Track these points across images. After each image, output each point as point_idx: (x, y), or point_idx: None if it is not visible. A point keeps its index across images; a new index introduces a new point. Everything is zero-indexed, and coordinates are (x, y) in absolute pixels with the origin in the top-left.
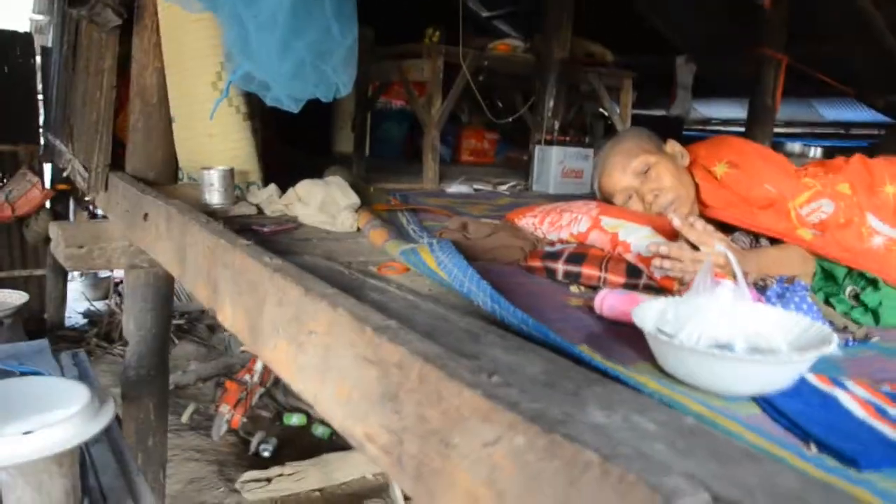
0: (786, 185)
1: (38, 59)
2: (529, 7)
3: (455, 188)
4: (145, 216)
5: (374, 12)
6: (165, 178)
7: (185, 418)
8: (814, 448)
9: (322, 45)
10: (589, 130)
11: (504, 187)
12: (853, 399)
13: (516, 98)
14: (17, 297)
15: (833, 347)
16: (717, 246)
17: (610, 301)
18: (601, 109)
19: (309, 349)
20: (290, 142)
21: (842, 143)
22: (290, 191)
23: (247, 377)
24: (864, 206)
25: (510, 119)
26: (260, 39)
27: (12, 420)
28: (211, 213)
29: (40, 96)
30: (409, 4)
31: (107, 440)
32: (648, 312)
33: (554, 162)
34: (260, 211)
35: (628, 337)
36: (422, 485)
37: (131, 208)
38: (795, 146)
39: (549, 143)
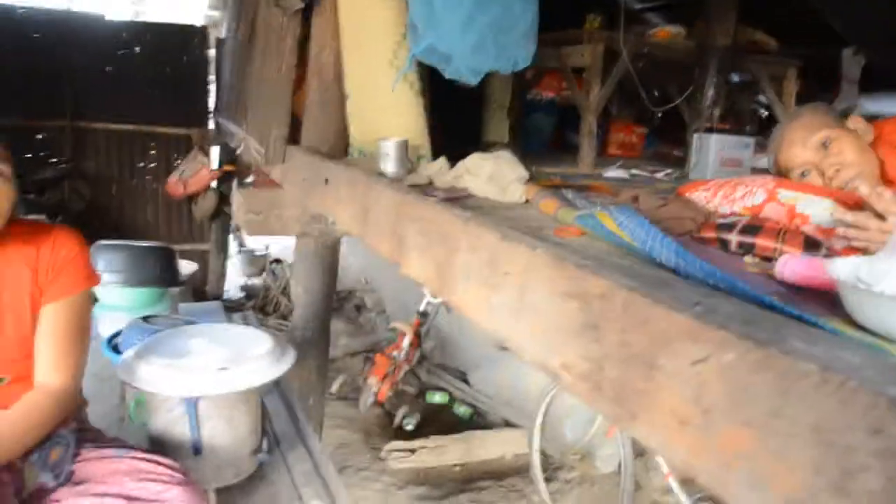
0: None
1: (212, 51)
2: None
3: (612, 173)
4: (326, 181)
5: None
6: (337, 152)
7: (335, 388)
8: None
9: (504, 20)
10: (748, 121)
11: (661, 174)
12: None
13: (671, 89)
14: (190, 267)
15: None
16: None
17: (793, 265)
18: (761, 99)
19: (503, 290)
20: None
21: None
22: (460, 163)
23: (395, 353)
24: None
25: (667, 107)
26: (445, 13)
27: (209, 358)
28: (388, 180)
29: (211, 86)
30: None
31: (278, 393)
32: (848, 266)
33: (713, 150)
34: (430, 182)
35: (814, 299)
36: (622, 407)
37: (310, 176)
38: None
39: (709, 130)
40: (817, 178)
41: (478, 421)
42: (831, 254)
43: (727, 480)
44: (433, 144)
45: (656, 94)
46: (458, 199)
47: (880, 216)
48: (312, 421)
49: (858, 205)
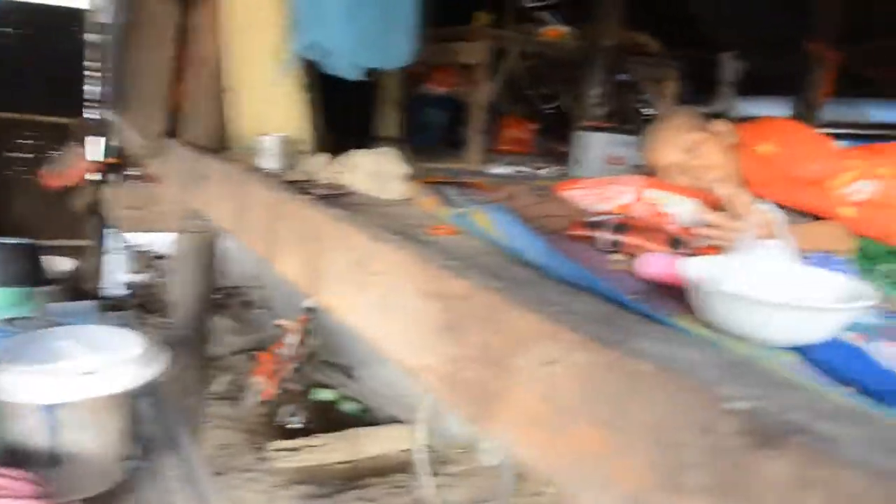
0: (828, 166)
1: (94, 36)
2: None
3: (497, 169)
4: (203, 177)
5: None
6: (219, 147)
7: (218, 388)
8: (851, 389)
9: (386, 17)
10: (632, 120)
11: (545, 171)
12: (886, 353)
13: (559, 87)
14: (66, 264)
15: (871, 303)
16: (760, 206)
17: (652, 264)
18: (642, 101)
19: (371, 290)
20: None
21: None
22: (340, 158)
23: (280, 350)
24: None
25: (554, 105)
26: (327, 8)
27: (73, 361)
28: (268, 174)
29: (92, 73)
30: None
31: (152, 396)
32: (695, 266)
33: (596, 147)
34: (311, 178)
35: (670, 296)
36: (480, 407)
37: (188, 172)
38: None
39: (592, 129)
40: (684, 179)
41: (365, 418)
42: (693, 252)
43: (576, 479)
44: (322, 139)
45: (545, 91)
46: (337, 195)
47: (737, 217)
48: (191, 423)
49: (719, 206)
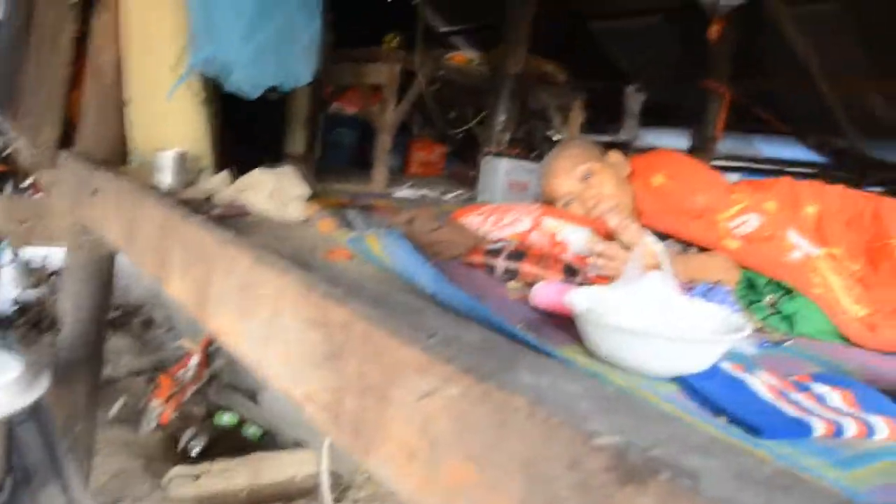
0: (717, 199)
1: None
2: (487, 24)
3: (402, 193)
4: (94, 191)
5: (334, 17)
6: (115, 160)
7: (114, 412)
8: (723, 419)
9: (286, 34)
10: (536, 147)
11: (450, 195)
12: (761, 383)
13: (468, 112)
14: None
15: (746, 335)
16: (646, 238)
17: (545, 292)
18: (550, 129)
19: (255, 316)
20: (239, 139)
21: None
22: (241, 178)
23: (181, 372)
24: (787, 222)
25: (462, 130)
26: (225, 23)
27: None
28: (161, 193)
29: None
30: (368, 11)
31: (35, 421)
32: (580, 297)
33: (501, 173)
34: (210, 196)
35: (561, 325)
36: (359, 439)
37: (80, 185)
38: (734, 178)
39: (498, 154)
40: (579, 207)
41: (269, 442)
42: (587, 281)
43: None
44: (225, 155)
45: (454, 115)
46: (235, 215)
47: (627, 247)
48: (79, 449)
49: (612, 235)
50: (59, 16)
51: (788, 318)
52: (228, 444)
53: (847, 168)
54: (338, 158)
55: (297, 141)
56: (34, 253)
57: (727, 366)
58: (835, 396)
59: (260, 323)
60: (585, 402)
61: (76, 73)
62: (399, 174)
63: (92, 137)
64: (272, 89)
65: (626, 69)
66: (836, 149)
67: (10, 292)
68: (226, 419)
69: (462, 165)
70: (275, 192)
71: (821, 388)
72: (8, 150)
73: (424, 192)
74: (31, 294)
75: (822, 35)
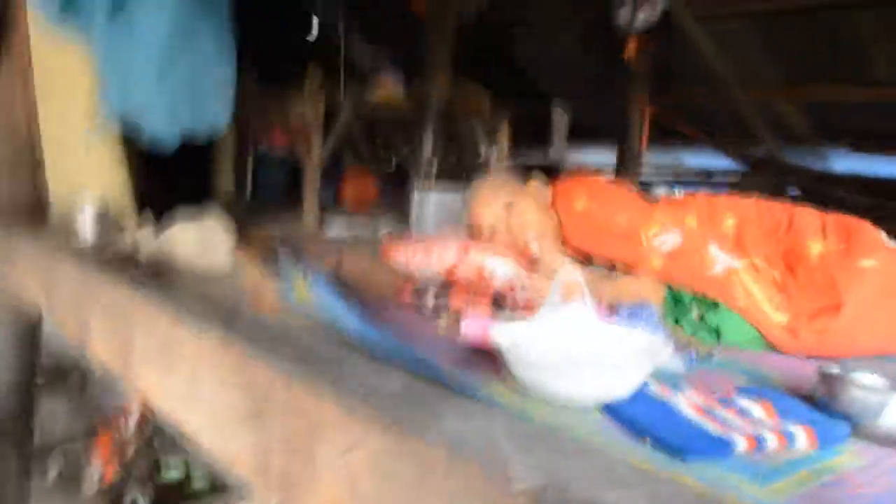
0: (638, 219)
1: None
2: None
3: (334, 232)
4: (12, 251)
5: (257, 55)
6: (34, 218)
7: (51, 478)
8: (647, 443)
9: (199, 78)
10: (468, 175)
11: (383, 231)
12: (686, 402)
13: (398, 142)
14: None
15: (667, 357)
16: (566, 267)
17: (472, 327)
18: (479, 155)
19: (176, 376)
20: (168, 183)
21: (704, 188)
22: (166, 231)
23: (121, 429)
24: (708, 236)
25: (391, 163)
26: (134, 72)
27: None
28: (81, 251)
29: None
30: (292, 48)
31: None
32: (504, 331)
33: (432, 205)
34: (133, 251)
35: (489, 361)
36: (289, 497)
37: None
38: (661, 190)
39: (428, 186)
40: (503, 238)
41: (218, 492)
42: (515, 312)
43: None
44: (155, 201)
45: (383, 149)
46: (160, 271)
47: (550, 276)
48: None
49: (536, 263)
50: None
51: (715, 331)
52: (175, 498)
53: (766, 175)
54: (270, 197)
55: (225, 182)
56: None
57: (653, 388)
58: (757, 409)
59: (182, 382)
60: (508, 443)
61: None
62: (333, 209)
63: (8, 196)
64: (189, 136)
65: (551, 91)
66: (754, 157)
67: None
68: (172, 473)
69: (397, 198)
70: (200, 242)
71: (743, 402)
72: None
73: (357, 229)
74: None
75: (734, 49)
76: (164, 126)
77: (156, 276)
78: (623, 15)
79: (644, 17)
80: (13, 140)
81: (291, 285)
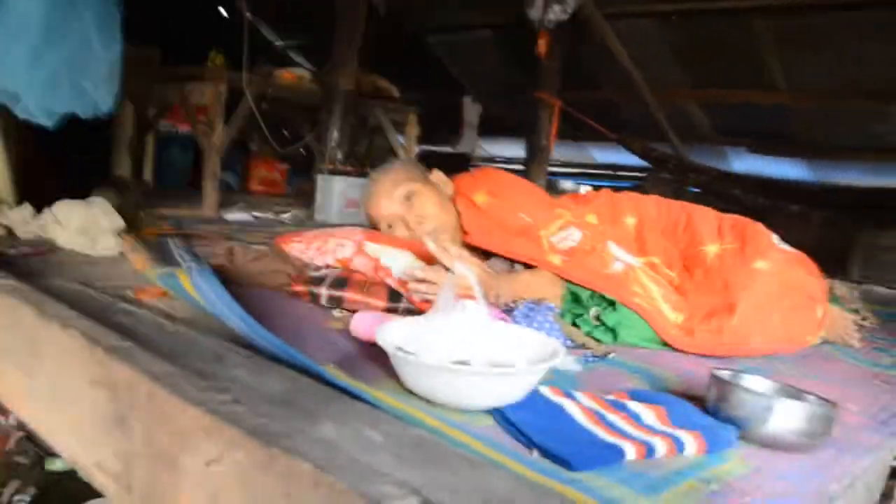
0: (539, 215)
1: None
2: (321, 39)
3: (235, 216)
4: None
5: (161, 33)
6: None
7: None
8: (535, 453)
9: (80, 58)
10: (376, 164)
11: (286, 216)
12: (578, 407)
13: (304, 128)
14: None
15: (558, 360)
16: (457, 266)
17: (363, 323)
18: (388, 144)
19: (40, 375)
20: (60, 162)
21: (610, 184)
22: (47, 211)
23: (2, 421)
24: (608, 234)
25: (294, 148)
26: (7, 46)
27: None
28: None
29: None
30: (197, 27)
31: None
32: (393, 332)
33: (336, 191)
34: (11, 233)
35: (379, 358)
36: None
37: None
38: (568, 184)
39: (333, 172)
40: (403, 229)
41: None
42: (411, 307)
43: None
44: (46, 184)
45: (287, 133)
46: (39, 253)
47: (446, 271)
48: None
49: (433, 257)
50: None
51: (612, 329)
52: (61, 492)
53: (669, 172)
54: (173, 179)
55: (122, 164)
56: None
57: (546, 391)
58: (648, 414)
59: (46, 383)
60: (386, 454)
61: None
62: (240, 193)
63: None
64: (71, 117)
65: (463, 82)
66: (658, 154)
67: None
68: (58, 464)
69: (307, 181)
70: (84, 225)
71: (635, 406)
72: None
73: (258, 213)
74: None
75: (642, 48)
76: (40, 105)
77: (32, 259)
78: (535, 10)
79: (555, 13)
80: None
81: (175, 274)
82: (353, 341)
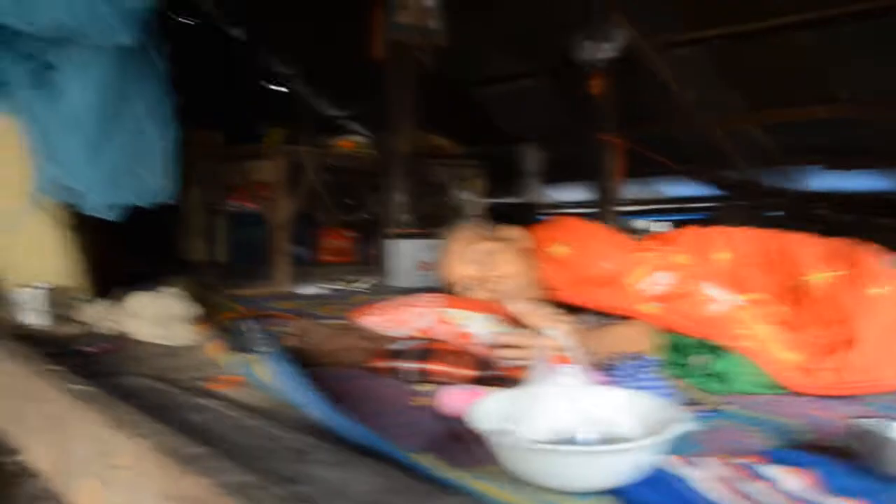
0: (621, 262)
1: None
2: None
3: (308, 289)
4: None
5: (220, 116)
6: None
7: None
8: None
9: (136, 148)
10: (445, 222)
11: (359, 284)
12: (710, 479)
13: (367, 194)
14: None
15: (684, 427)
16: (547, 331)
17: (451, 398)
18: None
19: (116, 487)
20: (129, 253)
21: (683, 217)
22: (121, 304)
23: None
24: (700, 274)
25: (359, 215)
26: (65, 143)
27: None
28: (27, 336)
29: None
30: (256, 108)
31: None
32: (487, 408)
33: (405, 255)
34: (87, 330)
35: (474, 436)
36: None
37: None
38: (641, 223)
39: (400, 236)
40: (481, 291)
41: None
42: (502, 375)
43: None
44: (117, 275)
45: (352, 200)
46: (114, 349)
47: (535, 332)
48: None
49: (518, 319)
50: None
51: (721, 378)
52: None
53: (745, 198)
54: (246, 258)
55: (195, 248)
56: None
57: (669, 461)
58: (792, 479)
59: (121, 496)
60: None
61: None
62: (311, 266)
63: None
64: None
65: (516, 131)
66: (730, 182)
67: None
68: None
69: (374, 248)
70: (159, 316)
71: (774, 471)
72: None
73: (331, 285)
74: None
75: (694, 76)
76: (103, 200)
77: (108, 356)
78: (584, 51)
79: (604, 51)
80: None
81: (249, 362)
82: (442, 419)
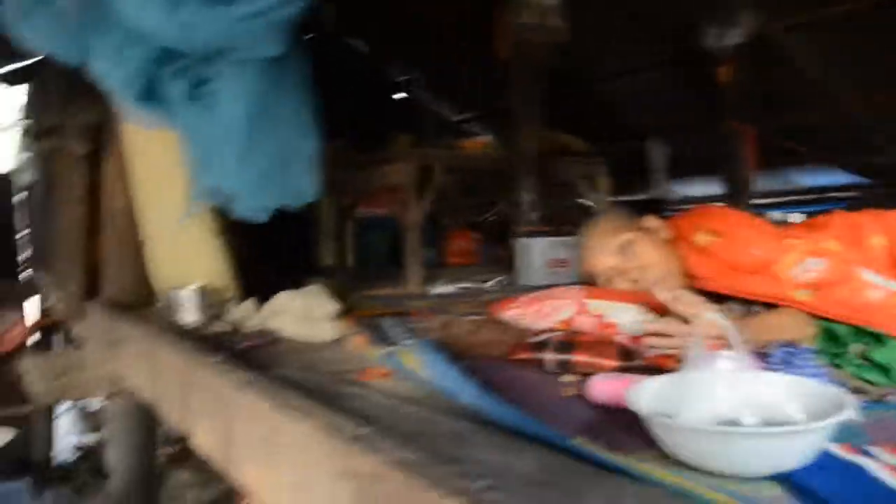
0: (771, 248)
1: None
2: (500, 107)
3: (440, 289)
4: (115, 342)
5: (347, 126)
6: (142, 302)
7: None
8: None
9: (284, 153)
10: (573, 220)
11: (490, 283)
12: (884, 467)
13: (494, 195)
14: (3, 435)
15: (852, 412)
16: (707, 314)
17: (602, 386)
18: (579, 199)
19: (282, 467)
20: (269, 258)
21: (820, 208)
22: (267, 304)
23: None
24: (854, 260)
25: (488, 216)
26: (219, 150)
27: None
28: (184, 333)
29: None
30: (381, 116)
31: None
32: (644, 393)
33: (536, 253)
34: (237, 328)
35: (628, 423)
36: None
37: (105, 334)
38: (776, 215)
39: (530, 234)
40: (623, 282)
41: None
42: (647, 363)
43: None
44: (258, 279)
45: (480, 201)
46: (263, 345)
47: (685, 321)
48: None
49: (665, 308)
50: (70, 169)
51: (884, 368)
52: None
53: (891, 185)
54: (375, 261)
55: (327, 252)
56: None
57: (836, 449)
58: None
59: (288, 474)
60: None
61: (93, 223)
62: (438, 268)
63: (116, 283)
64: (279, 209)
65: (643, 126)
66: (877, 167)
67: (71, 438)
68: None
69: (501, 248)
70: (303, 313)
71: None
72: (48, 304)
73: (463, 284)
74: (92, 438)
75: (831, 56)
76: (254, 202)
77: (258, 351)
78: (711, 38)
79: (732, 37)
80: (116, 226)
81: (397, 353)
82: (592, 408)
